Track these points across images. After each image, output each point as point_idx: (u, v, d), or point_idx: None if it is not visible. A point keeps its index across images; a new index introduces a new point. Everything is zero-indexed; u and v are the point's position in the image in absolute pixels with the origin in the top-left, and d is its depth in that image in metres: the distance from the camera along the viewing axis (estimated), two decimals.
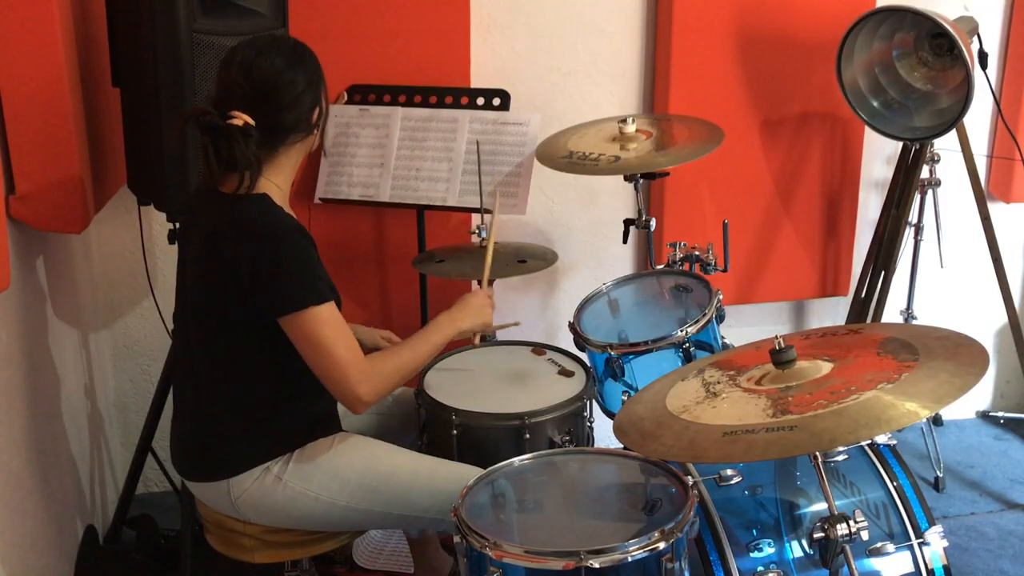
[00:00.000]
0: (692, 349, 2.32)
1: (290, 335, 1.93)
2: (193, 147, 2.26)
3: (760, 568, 1.88)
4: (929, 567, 1.89)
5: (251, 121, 1.90)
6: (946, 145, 3.10)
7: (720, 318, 2.43)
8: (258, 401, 2.03)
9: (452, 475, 2.07)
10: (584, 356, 2.49)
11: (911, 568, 1.89)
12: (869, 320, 3.26)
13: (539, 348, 2.59)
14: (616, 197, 3.30)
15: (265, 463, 2.02)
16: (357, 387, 1.94)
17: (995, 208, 3.29)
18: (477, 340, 2.28)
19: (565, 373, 2.44)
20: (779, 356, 1.71)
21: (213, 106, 1.92)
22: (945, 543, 1.91)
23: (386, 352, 2.07)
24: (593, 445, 2.44)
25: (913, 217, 3.24)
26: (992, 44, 3.40)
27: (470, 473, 2.00)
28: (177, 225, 2.44)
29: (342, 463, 2.06)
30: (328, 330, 1.92)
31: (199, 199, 2.08)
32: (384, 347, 2.38)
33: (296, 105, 1.96)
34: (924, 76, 2.99)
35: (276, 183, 2.01)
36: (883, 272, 3.22)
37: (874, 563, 1.87)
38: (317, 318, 1.91)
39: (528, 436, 2.20)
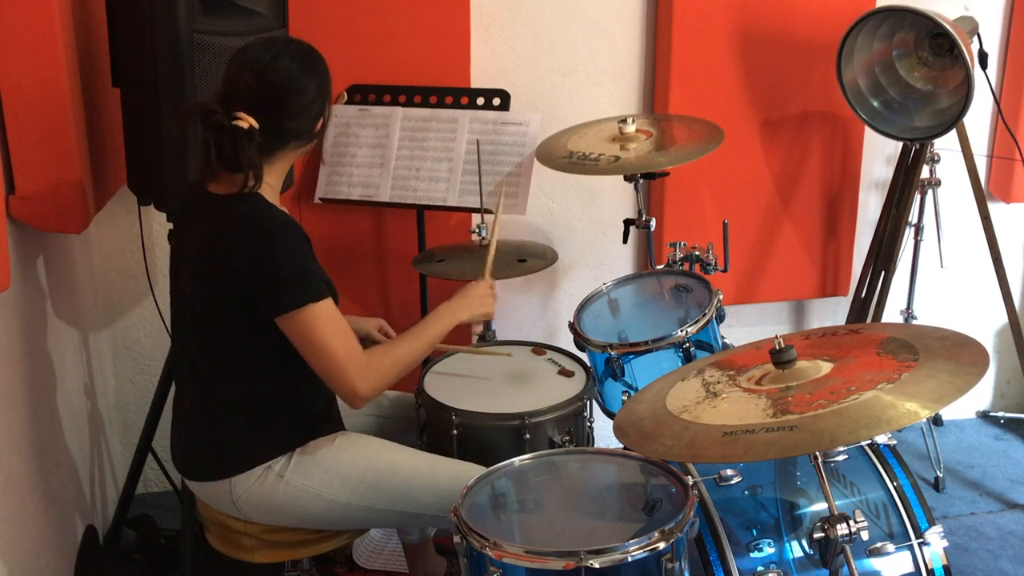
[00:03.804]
0: (692, 349, 2.32)
1: (288, 333, 1.93)
2: (193, 146, 2.26)
3: (760, 568, 1.88)
4: (929, 567, 1.89)
5: (256, 125, 1.90)
6: (946, 145, 3.10)
7: (720, 318, 2.43)
8: (259, 400, 2.03)
9: (453, 472, 2.07)
10: (584, 356, 2.49)
11: (911, 568, 1.89)
12: (869, 320, 3.26)
13: (539, 348, 2.59)
14: (616, 197, 3.30)
15: (267, 462, 2.02)
16: (356, 384, 1.93)
17: (995, 208, 3.29)
18: (474, 339, 2.29)
19: (565, 373, 2.44)
20: (779, 356, 1.71)
21: (219, 103, 1.92)
22: (945, 543, 1.91)
23: (384, 346, 2.06)
24: (593, 445, 2.44)
25: (913, 217, 3.24)
26: (992, 44, 3.40)
27: (471, 470, 2.00)
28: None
29: (344, 461, 2.06)
30: (326, 328, 1.91)
31: (191, 200, 2.07)
32: (377, 337, 2.38)
33: (303, 113, 1.96)
34: (924, 76, 2.99)
35: (269, 183, 2.00)
36: (883, 272, 3.22)
37: (874, 563, 1.87)
38: (315, 316, 1.91)
39: (528, 436, 2.20)
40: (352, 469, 2.06)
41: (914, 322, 3.38)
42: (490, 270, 2.33)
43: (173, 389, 2.20)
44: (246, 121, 1.89)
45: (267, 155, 1.96)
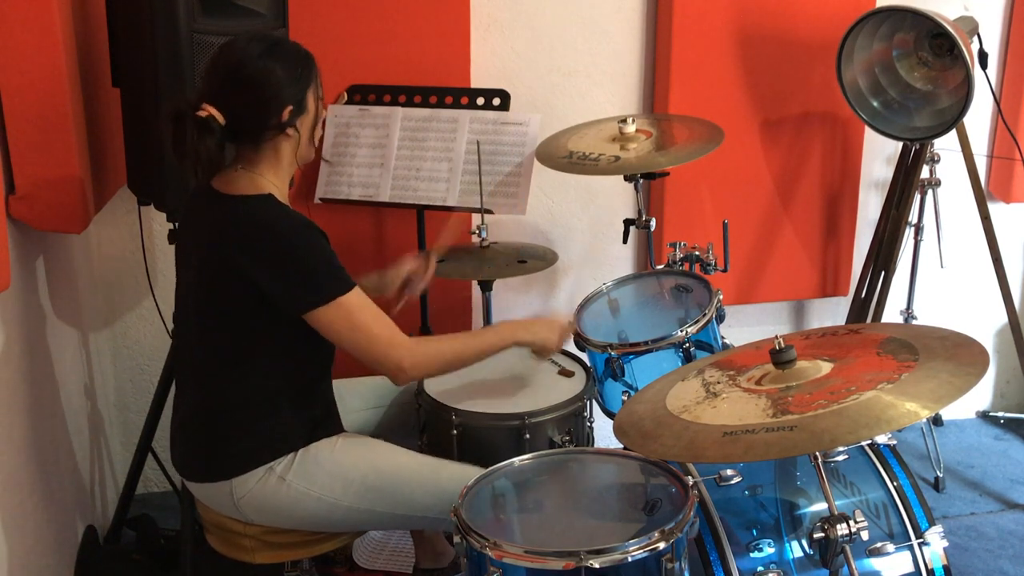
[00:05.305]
0: (692, 349, 2.32)
1: (321, 327, 1.94)
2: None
3: (760, 568, 1.88)
4: (929, 567, 1.89)
5: (218, 115, 1.89)
6: (946, 145, 3.10)
7: (720, 318, 2.43)
8: (260, 401, 2.03)
9: (455, 475, 2.07)
10: (584, 356, 2.48)
11: (911, 568, 1.89)
12: (869, 320, 3.26)
13: None
14: (616, 197, 3.30)
15: (268, 463, 2.02)
16: (402, 359, 1.98)
17: (995, 208, 3.29)
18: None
19: (565, 373, 2.44)
20: (779, 356, 1.71)
21: (195, 98, 1.93)
22: (945, 543, 1.91)
23: (436, 336, 2.13)
24: (593, 445, 2.43)
25: (913, 217, 3.24)
26: (992, 44, 3.40)
27: (472, 473, 2.00)
28: (177, 225, 2.44)
29: (345, 463, 2.06)
30: (363, 315, 1.95)
31: (197, 200, 2.07)
32: (416, 284, 2.47)
33: (265, 96, 1.93)
34: (924, 76, 2.99)
35: (274, 182, 2.01)
36: (883, 272, 3.22)
37: (874, 563, 1.87)
38: (348, 307, 1.93)
39: (528, 436, 2.20)
40: (354, 472, 2.06)
41: (914, 322, 3.38)
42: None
43: (173, 389, 2.20)
44: (207, 111, 1.89)
45: (252, 146, 1.97)
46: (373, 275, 2.44)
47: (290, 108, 1.96)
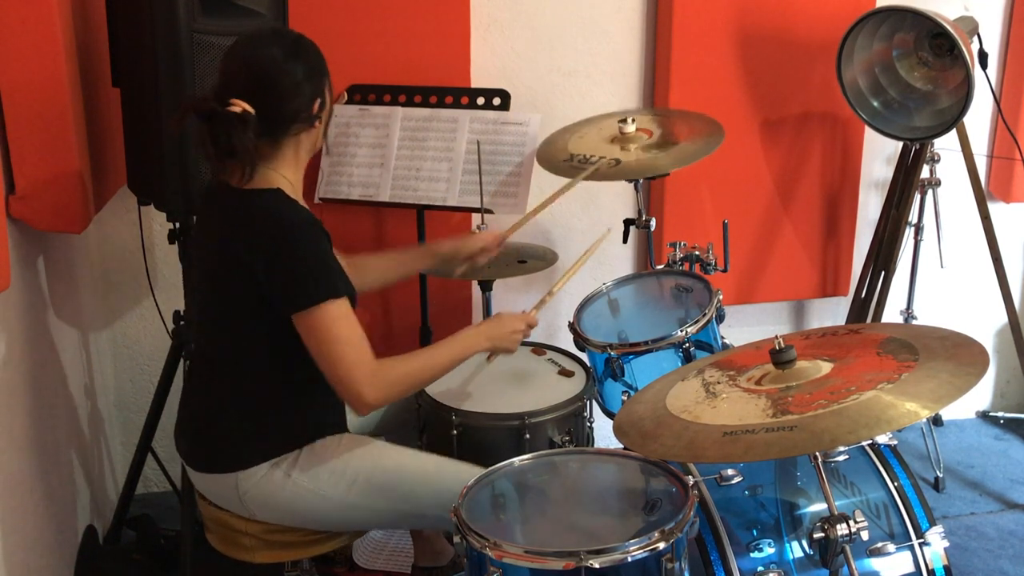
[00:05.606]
0: (692, 349, 2.32)
1: (301, 331, 1.93)
2: (194, 145, 2.25)
3: (760, 568, 1.88)
4: (929, 567, 1.89)
5: (250, 109, 1.89)
6: (946, 145, 3.10)
7: (720, 318, 2.43)
8: (268, 399, 2.03)
9: (459, 474, 2.07)
10: (584, 356, 2.49)
11: (911, 568, 1.89)
12: (869, 320, 3.26)
13: (539, 348, 2.59)
14: (616, 197, 3.30)
15: (273, 459, 2.02)
16: (362, 389, 1.92)
17: (995, 208, 3.29)
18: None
19: (565, 373, 2.44)
20: (779, 356, 1.71)
21: (214, 96, 1.92)
22: (945, 543, 1.91)
23: (400, 357, 2.03)
24: (593, 445, 2.44)
25: (913, 217, 3.24)
26: (992, 44, 3.40)
27: (476, 472, 2.00)
28: (177, 225, 2.44)
29: (350, 462, 2.06)
30: (340, 327, 1.91)
31: (210, 196, 2.08)
32: (480, 260, 2.44)
33: (295, 95, 1.95)
34: (924, 76, 2.99)
35: (286, 176, 2.01)
36: (883, 272, 3.22)
37: (874, 563, 1.87)
38: (330, 314, 1.90)
39: (528, 436, 2.20)
40: (358, 470, 2.05)
41: (914, 322, 3.38)
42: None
43: (174, 386, 2.21)
44: (239, 106, 1.89)
45: (272, 142, 1.97)
46: (446, 242, 2.44)
47: (319, 101, 1.99)
